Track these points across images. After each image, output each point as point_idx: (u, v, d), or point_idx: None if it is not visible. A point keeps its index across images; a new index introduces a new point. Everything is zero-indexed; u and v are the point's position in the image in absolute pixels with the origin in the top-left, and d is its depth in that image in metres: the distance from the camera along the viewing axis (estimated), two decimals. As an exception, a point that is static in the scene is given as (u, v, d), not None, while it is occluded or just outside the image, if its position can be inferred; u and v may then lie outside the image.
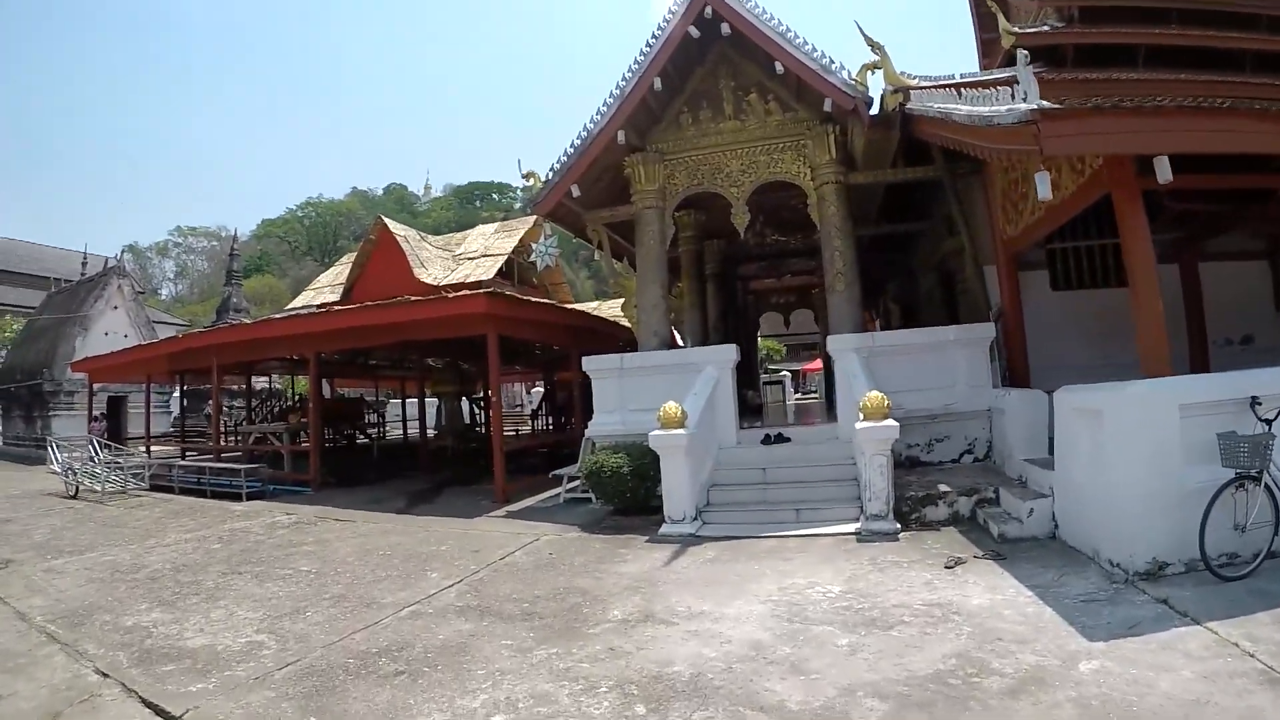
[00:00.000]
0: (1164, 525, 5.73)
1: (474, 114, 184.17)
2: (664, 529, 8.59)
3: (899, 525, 8.00)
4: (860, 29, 10.66)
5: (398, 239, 20.36)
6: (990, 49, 16.09)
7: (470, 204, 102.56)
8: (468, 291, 13.07)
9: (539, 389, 32.12)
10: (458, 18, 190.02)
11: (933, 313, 15.62)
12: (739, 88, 12.23)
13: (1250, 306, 12.26)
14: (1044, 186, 7.25)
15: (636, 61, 11.44)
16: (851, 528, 8.16)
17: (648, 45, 11.42)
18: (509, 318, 12.08)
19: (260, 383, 29.08)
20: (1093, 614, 5.08)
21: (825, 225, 11.91)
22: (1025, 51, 7.25)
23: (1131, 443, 5.94)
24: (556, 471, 11.51)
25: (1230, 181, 8.11)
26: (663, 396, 10.22)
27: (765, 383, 23.98)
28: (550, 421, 22.65)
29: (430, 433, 18.48)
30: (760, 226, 16.69)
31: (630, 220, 12.62)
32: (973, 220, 11.92)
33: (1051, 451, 8.19)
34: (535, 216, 21.42)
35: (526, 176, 11.77)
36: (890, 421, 8.17)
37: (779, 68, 11.00)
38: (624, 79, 11.45)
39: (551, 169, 11.76)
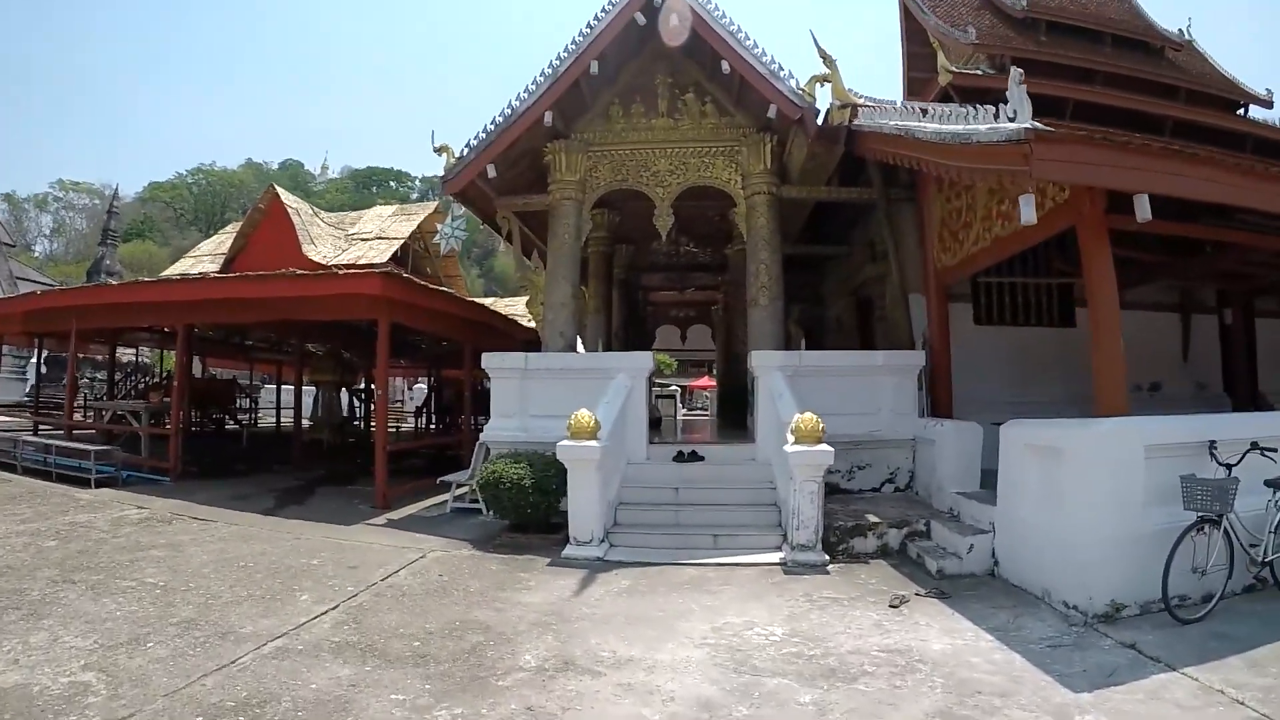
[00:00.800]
0: (1123, 567, 5.54)
1: (380, 98, 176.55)
2: (568, 551, 7.57)
3: (827, 557, 7.40)
4: (815, 39, 10.10)
5: (289, 210, 18.36)
6: (917, 88, 16.08)
7: (367, 189, 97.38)
8: (360, 270, 11.75)
9: (421, 385, 30.27)
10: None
11: (841, 339, 15.28)
12: (676, 85, 11.43)
13: (1160, 356, 12.43)
14: (1029, 210, 6.55)
15: (574, 41, 10.42)
16: (775, 557, 7.49)
17: (588, 26, 10.41)
18: (404, 303, 10.73)
19: (128, 355, 26.02)
20: (1064, 660, 4.71)
21: (753, 237, 11.25)
22: (1020, 70, 6.69)
23: (1094, 482, 5.74)
24: (445, 478, 10.22)
25: (1183, 230, 7.91)
26: (570, 403, 9.18)
27: (657, 396, 23.27)
28: (434, 421, 21.05)
29: (305, 423, 16.59)
30: (675, 235, 15.95)
31: (544, 211, 11.54)
32: (902, 247, 11.52)
33: (984, 485, 8.09)
34: (434, 203, 20.27)
35: (439, 150, 10.47)
36: (824, 446, 7.50)
37: (725, 67, 10.28)
38: (558, 58, 10.39)
39: (468, 145, 10.52)
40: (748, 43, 10.40)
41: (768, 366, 9.69)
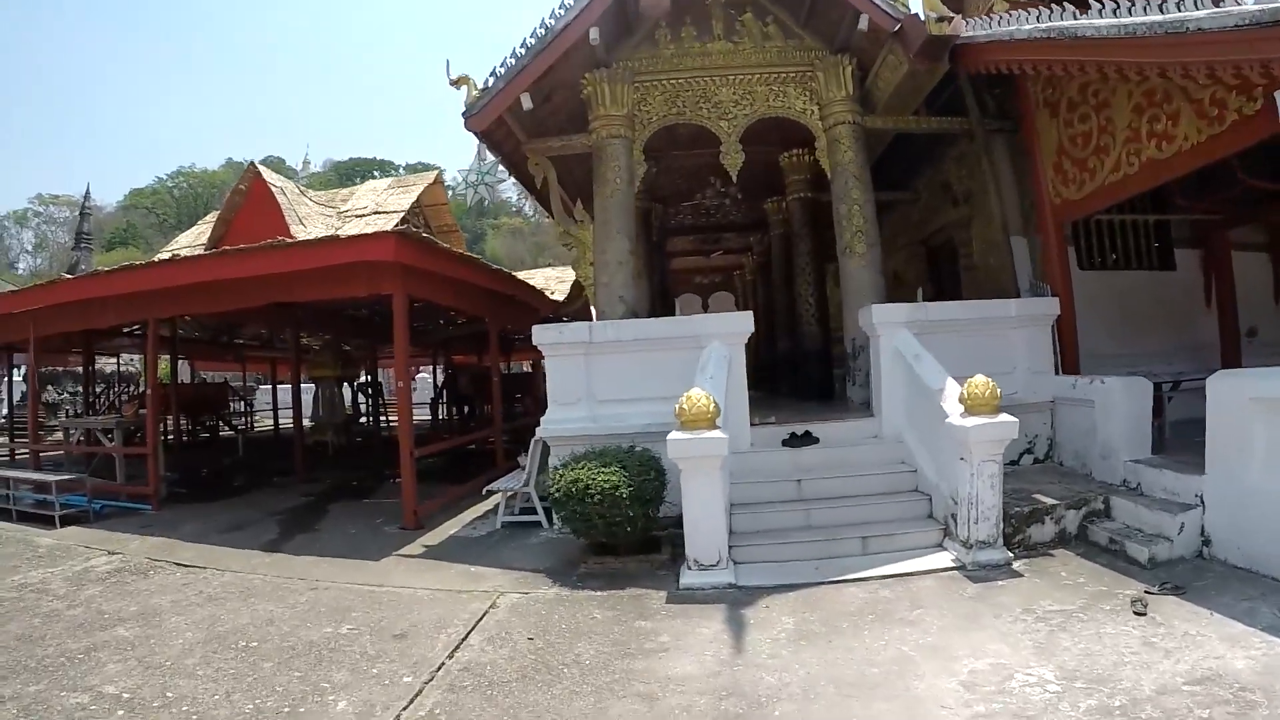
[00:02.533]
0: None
1: (360, 89, 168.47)
2: (688, 579, 5.43)
3: (1010, 554, 5.69)
4: None
5: (273, 189, 15.68)
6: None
7: (351, 180, 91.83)
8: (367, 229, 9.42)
9: (424, 374, 27.72)
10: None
11: (902, 295, 13.18)
12: (731, 4, 9.18)
13: (1253, 299, 10.43)
14: None
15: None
16: (945, 559, 5.75)
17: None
18: (423, 272, 8.40)
19: (111, 364, 23.31)
20: None
21: (839, 174, 9.04)
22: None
23: None
24: (493, 485, 7.95)
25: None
26: (650, 383, 7.25)
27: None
28: (451, 413, 18.52)
29: (306, 424, 14.20)
30: (719, 186, 13.76)
31: (585, 156, 9.23)
32: (1002, 183, 9.42)
33: (1156, 451, 6.77)
34: (433, 173, 17.78)
35: (457, 82, 8.07)
36: (1007, 417, 5.64)
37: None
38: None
39: (494, 73, 8.15)
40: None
41: (891, 323, 7.52)
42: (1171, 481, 6.05)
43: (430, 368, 23.73)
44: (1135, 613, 4.56)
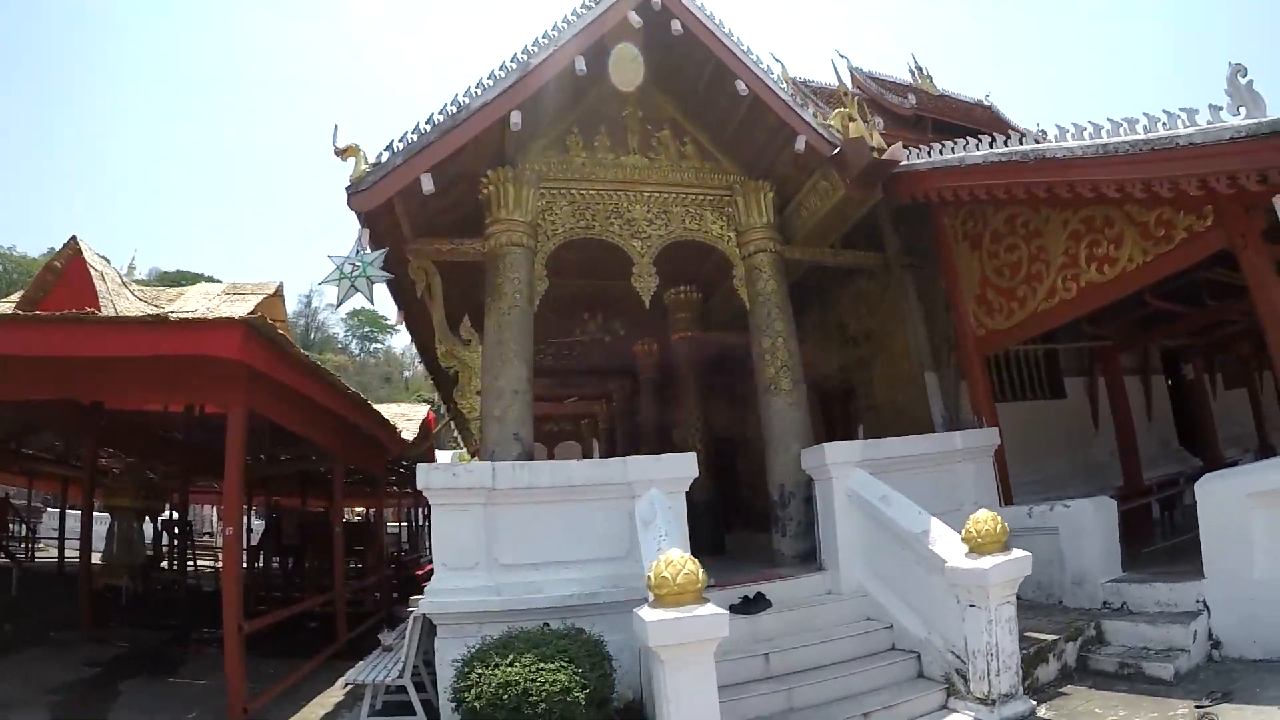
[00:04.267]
0: None
1: (197, 199, 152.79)
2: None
3: (1034, 702, 4.82)
4: (836, 69, 7.65)
5: (92, 272, 12.31)
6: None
7: None
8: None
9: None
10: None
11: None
12: (647, 120, 8.35)
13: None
14: None
15: (546, 35, 7.13)
16: (964, 718, 4.65)
17: (571, 15, 7.22)
18: (274, 382, 6.24)
19: None
20: None
21: (760, 305, 8.09)
22: (1243, 65, 4.84)
23: None
24: (354, 678, 5.52)
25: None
26: (573, 542, 5.69)
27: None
28: (273, 566, 14.82)
29: (97, 561, 10.49)
30: (597, 322, 12.54)
31: (478, 263, 7.68)
32: (912, 318, 8.89)
33: (1125, 569, 6.35)
34: (275, 284, 15.30)
35: (344, 152, 6.35)
36: (1019, 552, 4.86)
37: (741, 88, 7.39)
38: (525, 51, 7.00)
39: (390, 147, 6.53)
40: (761, 65, 7.70)
41: (843, 463, 6.34)
42: (1165, 594, 5.70)
43: (248, 509, 19.81)
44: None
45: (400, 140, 6.58)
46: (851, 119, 7.54)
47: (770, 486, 7.75)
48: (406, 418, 15.60)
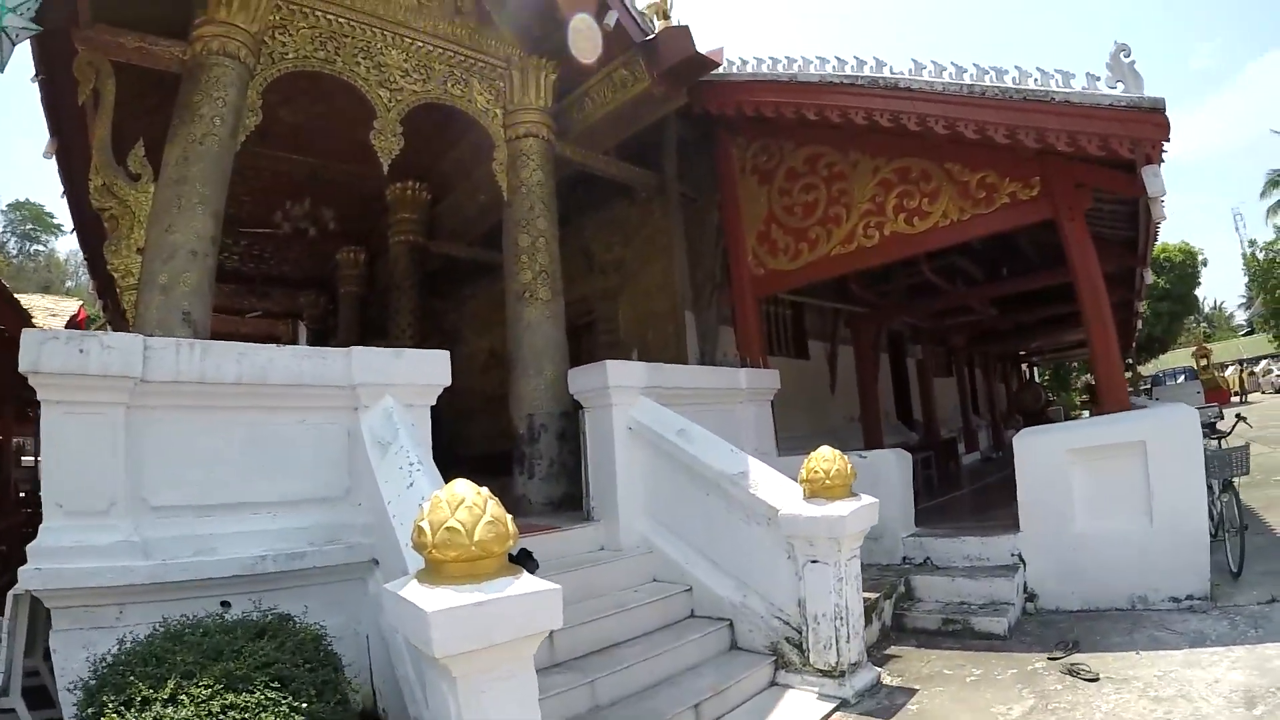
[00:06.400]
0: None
1: None
2: None
3: (879, 670, 4.12)
4: None
5: None
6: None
7: None
8: None
9: None
10: None
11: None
12: (420, -45, 6.27)
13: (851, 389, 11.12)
14: (1157, 182, 4.78)
15: None
16: (811, 700, 3.75)
17: None
18: None
19: None
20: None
21: (521, 197, 6.56)
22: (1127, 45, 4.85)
23: (1185, 467, 4.68)
24: None
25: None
26: (264, 472, 3.66)
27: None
28: None
29: None
30: (300, 213, 9.86)
31: (175, 73, 5.10)
32: (675, 254, 8.03)
33: (920, 523, 6.00)
34: None
35: None
36: (868, 499, 4.09)
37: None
38: None
39: None
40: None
41: (627, 387, 5.10)
42: (975, 547, 5.41)
43: None
44: (1087, 679, 3.70)
45: None
46: (664, 14, 6.36)
47: (515, 418, 6.36)
48: (51, 312, 11.68)
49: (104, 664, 2.37)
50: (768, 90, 6.26)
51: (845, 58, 5.88)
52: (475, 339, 11.36)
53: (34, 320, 9.09)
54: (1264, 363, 33.13)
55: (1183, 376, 26.54)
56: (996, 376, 19.90)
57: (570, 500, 5.83)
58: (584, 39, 6.08)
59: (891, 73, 5.73)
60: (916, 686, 3.90)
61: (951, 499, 8.74)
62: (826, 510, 3.78)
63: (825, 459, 3.95)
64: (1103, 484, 4.91)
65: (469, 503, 2.24)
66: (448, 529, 2.17)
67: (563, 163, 7.15)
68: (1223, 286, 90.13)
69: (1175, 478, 4.64)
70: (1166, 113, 4.51)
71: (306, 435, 3.77)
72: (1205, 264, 26.80)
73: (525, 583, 2.27)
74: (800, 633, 3.96)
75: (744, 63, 6.71)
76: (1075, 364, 29.22)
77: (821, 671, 3.84)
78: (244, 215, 9.46)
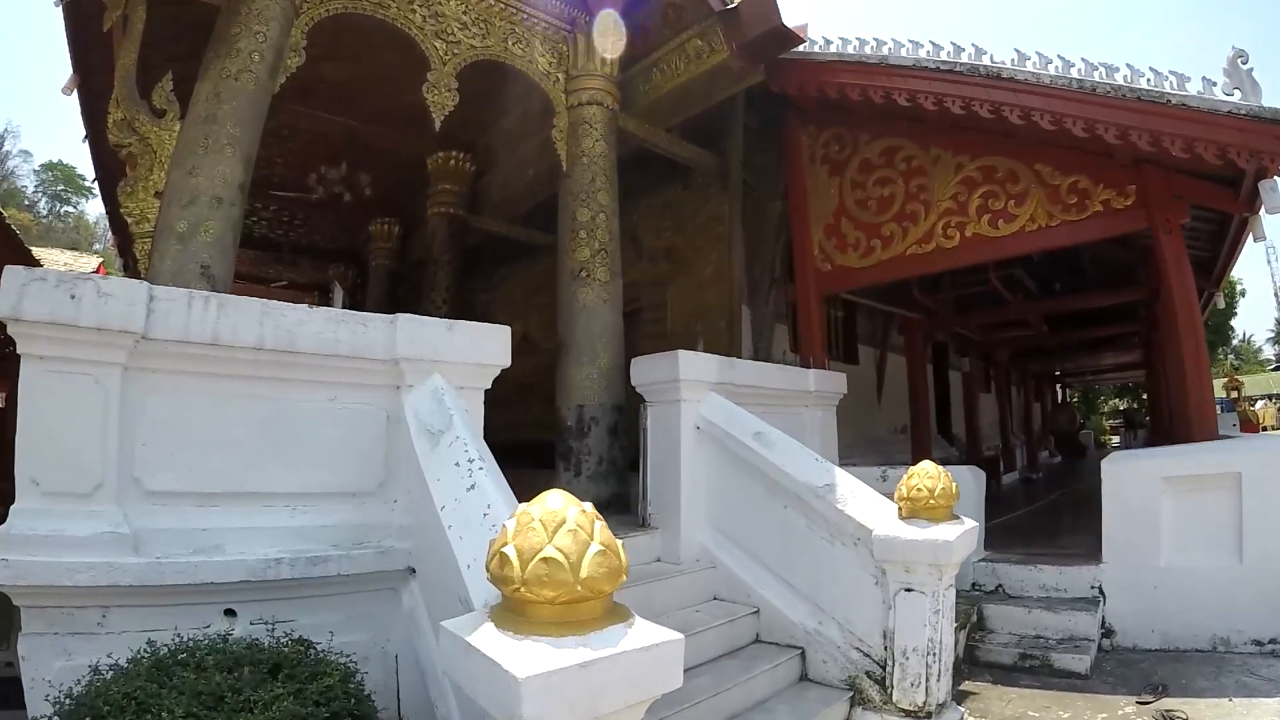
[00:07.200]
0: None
1: None
2: None
3: (962, 708, 3.62)
4: None
5: None
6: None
7: None
8: None
9: None
10: None
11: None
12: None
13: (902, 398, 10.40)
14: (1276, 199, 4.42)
15: None
16: None
17: None
18: None
19: None
20: None
21: (581, 168, 5.94)
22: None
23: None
24: None
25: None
26: (281, 457, 2.96)
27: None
28: None
29: None
30: (337, 178, 9.29)
31: (214, 4, 4.49)
32: (734, 245, 7.37)
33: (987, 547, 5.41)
34: None
35: None
36: (969, 522, 3.45)
37: None
38: None
39: None
40: None
41: (698, 382, 4.46)
42: (1052, 577, 4.93)
43: None
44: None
45: None
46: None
47: (562, 408, 5.73)
48: (69, 268, 11.11)
49: (69, 702, 1.75)
50: (854, 72, 5.61)
51: (940, 43, 5.26)
52: (507, 322, 10.62)
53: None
54: (1294, 398, 32.03)
55: (1220, 408, 25.57)
56: (1033, 395, 19.08)
57: (619, 502, 5.22)
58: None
59: (992, 61, 5.11)
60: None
61: (1008, 521, 8.06)
62: (929, 534, 3.16)
63: (929, 475, 3.34)
64: (1190, 517, 4.54)
65: (571, 524, 1.58)
66: (544, 560, 1.52)
67: (623, 138, 6.51)
68: (1252, 320, 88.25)
69: (1272, 515, 4.24)
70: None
71: (336, 416, 3.13)
72: (1244, 294, 25.88)
73: (640, 633, 1.61)
74: (884, 667, 3.36)
75: (827, 42, 6.06)
76: (1109, 388, 28.28)
77: (905, 712, 3.25)
78: (276, 178, 8.92)
